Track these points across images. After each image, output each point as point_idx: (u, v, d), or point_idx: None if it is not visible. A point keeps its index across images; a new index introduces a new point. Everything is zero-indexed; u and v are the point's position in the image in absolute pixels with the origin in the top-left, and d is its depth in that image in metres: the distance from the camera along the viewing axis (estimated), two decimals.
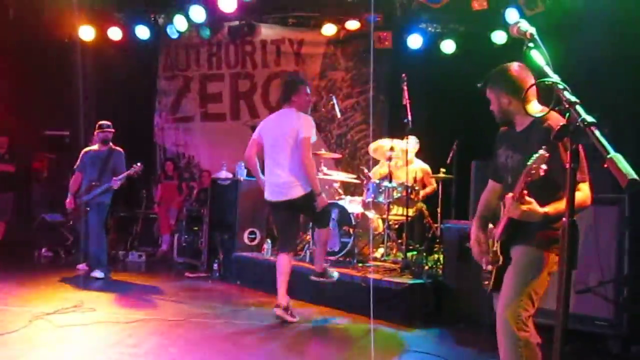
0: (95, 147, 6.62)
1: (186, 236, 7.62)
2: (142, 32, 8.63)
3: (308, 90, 4.79)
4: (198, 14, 8.06)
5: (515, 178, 2.50)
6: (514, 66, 2.59)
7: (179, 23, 8.37)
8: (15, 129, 8.33)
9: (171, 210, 8.63)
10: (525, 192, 2.26)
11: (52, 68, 8.26)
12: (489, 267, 2.69)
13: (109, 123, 6.61)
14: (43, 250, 7.82)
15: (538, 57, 1.81)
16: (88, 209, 6.36)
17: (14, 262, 7.19)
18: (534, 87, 2.41)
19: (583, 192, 2.36)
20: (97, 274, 6.20)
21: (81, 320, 4.23)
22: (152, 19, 8.70)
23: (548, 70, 1.75)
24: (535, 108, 2.52)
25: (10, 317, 4.23)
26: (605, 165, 1.44)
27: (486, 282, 2.74)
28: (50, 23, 8.05)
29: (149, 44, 8.95)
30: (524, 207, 2.30)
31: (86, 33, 8.40)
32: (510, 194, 2.37)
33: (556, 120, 2.28)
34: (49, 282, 5.82)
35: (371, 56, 5.84)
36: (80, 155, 6.63)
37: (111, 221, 8.63)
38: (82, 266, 6.64)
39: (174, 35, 8.64)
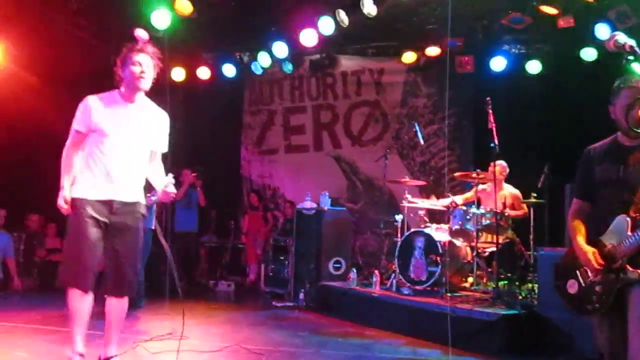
0: None
1: (273, 266, 7.73)
2: (229, 70, 9.05)
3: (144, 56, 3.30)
4: (281, 49, 8.34)
5: (631, 190, 2.50)
6: None
7: (263, 59, 8.71)
8: None
9: (258, 241, 8.82)
10: None
11: None
12: (598, 288, 2.60)
13: None
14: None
15: None
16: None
17: None
18: None
19: None
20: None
21: (174, 347, 4.37)
22: (238, 57, 9.10)
23: None
24: None
25: None
26: None
27: (596, 305, 2.61)
28: None
29: (234, 81, 9.36)
30: None
31: (177, 74, 8.94)
32: None
33: None
34: (146, 311, 6.09)
35: (446, 81, 5.79)
36: None
37: (202, 251, 8.98)
38: None
39: (258, 72, 9.00)
